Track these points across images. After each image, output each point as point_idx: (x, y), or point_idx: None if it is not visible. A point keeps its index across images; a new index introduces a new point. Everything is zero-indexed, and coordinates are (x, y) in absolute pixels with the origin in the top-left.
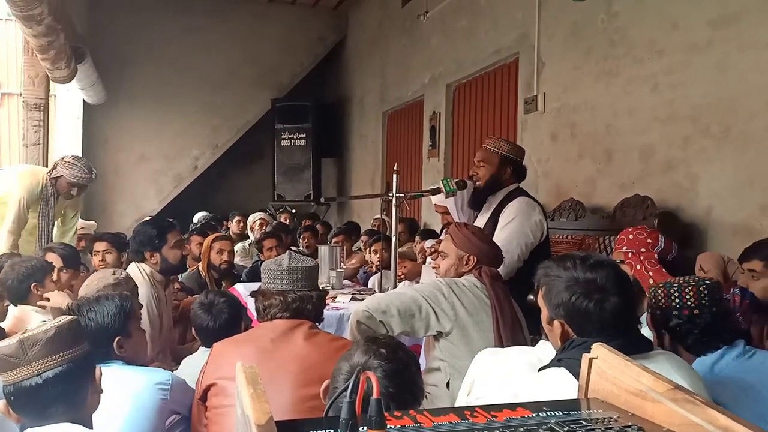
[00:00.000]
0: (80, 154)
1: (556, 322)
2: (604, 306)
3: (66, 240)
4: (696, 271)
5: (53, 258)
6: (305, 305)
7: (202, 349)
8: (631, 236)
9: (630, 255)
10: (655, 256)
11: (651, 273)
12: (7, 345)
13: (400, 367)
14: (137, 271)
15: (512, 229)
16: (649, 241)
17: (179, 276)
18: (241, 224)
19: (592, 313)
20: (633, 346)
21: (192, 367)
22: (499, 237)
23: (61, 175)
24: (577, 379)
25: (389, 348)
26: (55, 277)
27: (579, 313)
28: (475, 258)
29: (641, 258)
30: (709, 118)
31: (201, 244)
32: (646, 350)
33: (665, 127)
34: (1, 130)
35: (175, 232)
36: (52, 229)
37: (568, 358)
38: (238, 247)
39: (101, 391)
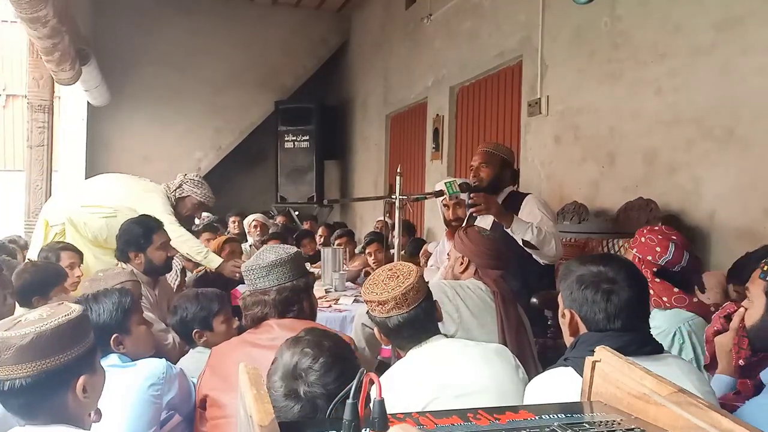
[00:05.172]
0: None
1: (567, 311)
2: (611, 297)
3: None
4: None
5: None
6: (291, 298)
7: (191, 351)
8: (643, 239)
9: (637, 260)
10: (655, 269)
11: (649, 284)
12: None
13: (330, 360)
14: None
15: (548, 225)
16: (658, 249)
17: (186, 278)
18: (236, 224)
19: (599, 302)
20: (641, 345)
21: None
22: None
23: (189, 195)
24: None
25: (313, 344)
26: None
27: (587, 301)
28: (467, 259)
29: (643, 267)
30: (713, 121)
31: (209, 240)
32: (656, 352)
33: (669, 130)
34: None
35: (161, 233)
36: None
37: (574, 357)
38: None
39: (92, 398)
